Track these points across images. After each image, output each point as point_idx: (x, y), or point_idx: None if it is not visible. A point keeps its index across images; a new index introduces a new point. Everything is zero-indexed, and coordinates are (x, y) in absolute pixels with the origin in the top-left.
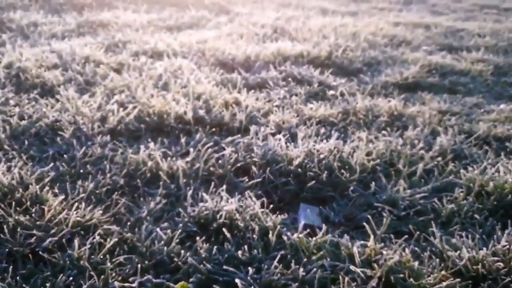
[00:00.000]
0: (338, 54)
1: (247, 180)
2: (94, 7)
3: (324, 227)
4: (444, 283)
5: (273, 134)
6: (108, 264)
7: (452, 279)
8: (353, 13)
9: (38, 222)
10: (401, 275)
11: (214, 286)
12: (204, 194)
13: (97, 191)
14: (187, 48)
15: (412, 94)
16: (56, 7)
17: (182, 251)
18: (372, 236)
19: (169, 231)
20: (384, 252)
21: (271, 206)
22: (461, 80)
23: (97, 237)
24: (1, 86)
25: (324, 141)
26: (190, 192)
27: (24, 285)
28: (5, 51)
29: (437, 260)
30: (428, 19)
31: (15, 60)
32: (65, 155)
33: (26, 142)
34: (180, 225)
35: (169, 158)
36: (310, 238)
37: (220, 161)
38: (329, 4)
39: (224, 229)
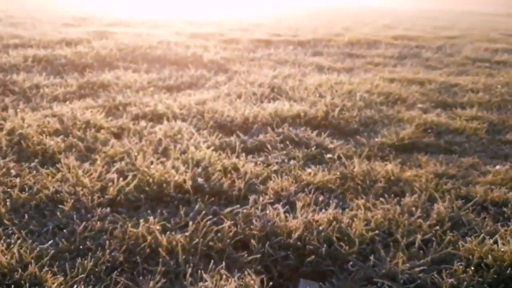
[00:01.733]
0: (335, 114)
1: (246, 255)
2: (95, 67)
3: None
4: None
5: (272, 203)
6: None
7: None
8: (348, 69)
9: None
10: None
11: None
12: (204, 273)
13: (97, 269)
14: (186, 110)
15: (409, 156)
16: (58, 68)
17: None
18: None
19: None
20: None
21: (271, 283)
22: (457, 139)
23: None
24: (2, 154)
25: (323, 210)
26: (189, 270)
27: None
28: (8, 116)
29: None
30: (422, 75)
31: (17, 127)
32: (64, 230)
33: (26, 216)
34: None
35: (168, 232)
36: None
37: (219, 234)
38: (325, 61)
39: None
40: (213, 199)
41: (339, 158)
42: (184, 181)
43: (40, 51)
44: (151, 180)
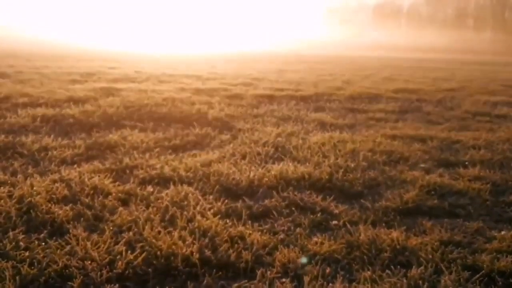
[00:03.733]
0: (339, 176)
1: None
2: (102, 126)
3: None
4: None
5: (280, 277)
6: None
7: None
8: (351, 126)
9: None
10: None
11: None
12: None
13: None
14: (192, 173)
15: (413, 221)
16: (66, 129)
17: None
18: None
19: None
20: None
21: None
22: (460, 201)
23: None
24: (12, 225)
25: (330, 283)
26: None
27: None
28: (17, 182)
29: None
30: (423, 131)
31: (27, 194)
32: None
33: None
34: None
35: None
36: None
37: None
38: (327, 116)
39: None
40: (220, 273)
41: (345, 224)
42: (192, 253)
43: (49, 110)
44: (159, 252)
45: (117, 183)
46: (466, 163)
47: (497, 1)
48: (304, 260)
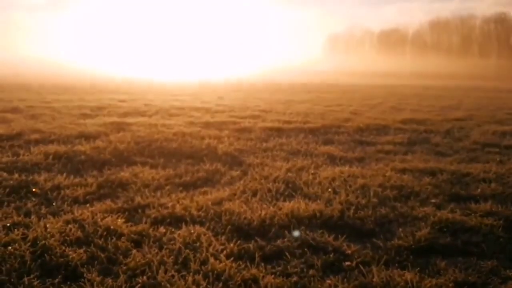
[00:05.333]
0: (350, 214)
1: None
2: (113, 163)
3: None
4: None
5: None
6: None
7: None
8: (360, 159)
9: None
10: None
11: None
12: None
13: None
14: (204, 212)
15: (427, 260)
16: (78, 166)
17: None
18: None
19: None
20: None
21: None
22: (473, 239)
23: None
24: (26, 270)
25: None
26: None
27: None
28: (30, 223)
29: None
30: (433, 164)
31: (40, 237)
32: None
33: None
34: None
35: None
36: None
37: None
38: (336, 149)
39: None
40: None
41: (357, 265)
42: None
43: (61, 147)
44: None
45: (129, 223)
46: (478, 197)
47: (501, 27)
48: None
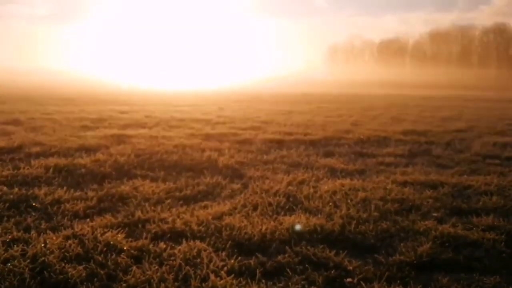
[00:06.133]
0: (351, 229)
1: None
2: (113, 176)
3: None
4: None
5: None
6: None
7: None
8: (361, 172)
9: None
10: None
11: None
12: None
13: None
14: (204, 227)
15: (429, 276)
16: (78, 179)
17: None
18: None
19: None
20: None
21: None
22: (476, 253)
23: None
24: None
25: None
26: None
27: None
28: (30, 239)
29: None
30: (434, 176)
31: (40, 253)
32: None
33: None
34: None
35: None
36: None
37: None
38: (337, 162)
39: None
40: None
41: (359, 282)
42: None
43: (61, 159)
44: None
45: (129, 238)
46: (479, 211)
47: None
48: None
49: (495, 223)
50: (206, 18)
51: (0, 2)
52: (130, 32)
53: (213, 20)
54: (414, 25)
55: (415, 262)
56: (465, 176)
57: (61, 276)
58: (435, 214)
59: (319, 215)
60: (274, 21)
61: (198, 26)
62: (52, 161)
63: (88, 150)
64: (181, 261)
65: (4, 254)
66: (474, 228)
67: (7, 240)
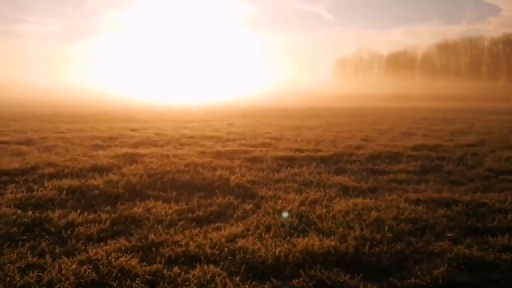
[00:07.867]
0: (365, 251)
1: None
2: (126, 197)
3: None
4: None
5: None
6: None
7: None
8: (373, 190)
9: None
10: None
11: None
12: None
13: None
14: (217, 250)
15: None
16: (91, 201)
17: None
18: None
19: None
20: None
21: None
22: (492, 276)
23: None
24: None
25: None
26: None
27: None
28: (45, 265)
29: None
30: (446, 194)
31: (55, 280)
32: None
33: None
34: None
35: None
36: None
37: None
38: (348, 179)
39: None
40: None
41: None
42: None
43: (74, 181)
44: None
45: (143, 263)
46: (494, 230)
47: (510, 48)
48: None
49: (511, 243)
50: (214, 31)
51: (12, 22)
52: (135, 47)
53: (222, 33)
54: (422, 38)
55: (430, 285)
56: (479, 193)
57: None
58: (449, 234)
59: (333, 237)
60: (282, 34)
61: (206, 40)
62: (65, 182)
63: (101, 170)
64: (195, 287)
65: (20, 281)
66: (490, 249)
67: (22, 266)
